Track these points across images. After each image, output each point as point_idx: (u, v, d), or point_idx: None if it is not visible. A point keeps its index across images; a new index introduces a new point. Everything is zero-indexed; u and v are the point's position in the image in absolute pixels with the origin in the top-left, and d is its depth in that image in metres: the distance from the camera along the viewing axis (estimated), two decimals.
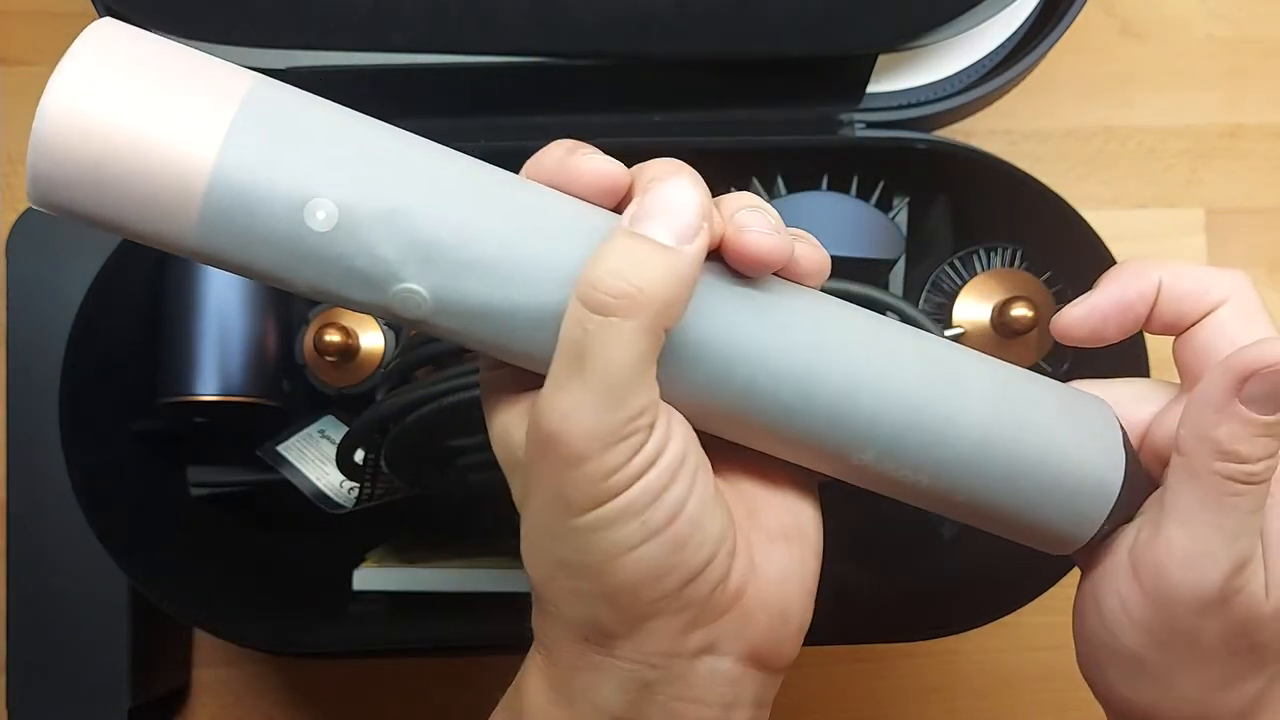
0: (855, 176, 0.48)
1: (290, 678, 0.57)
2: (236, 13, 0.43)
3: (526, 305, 0.25)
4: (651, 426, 0.25)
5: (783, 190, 0.48)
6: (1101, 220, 0.47)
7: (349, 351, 0.49)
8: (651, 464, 0.25)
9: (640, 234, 0.25)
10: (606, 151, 0.48)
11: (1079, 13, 0.46)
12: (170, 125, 0.23)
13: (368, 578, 0.47)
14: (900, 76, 0.48)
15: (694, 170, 0.27)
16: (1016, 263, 0.49)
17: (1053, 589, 0.43)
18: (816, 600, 0.48)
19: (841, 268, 0.46)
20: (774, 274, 0.28)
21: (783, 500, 0.30)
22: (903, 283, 0.51)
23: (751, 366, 0.27)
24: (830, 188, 0.48)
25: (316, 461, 0.48)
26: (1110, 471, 0.29)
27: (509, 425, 0.27)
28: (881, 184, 0.49)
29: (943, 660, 0.59)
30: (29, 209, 0.53)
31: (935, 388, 0.28)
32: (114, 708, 0.51)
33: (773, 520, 0.29)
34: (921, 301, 0.50)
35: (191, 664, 0.57)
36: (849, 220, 0.47)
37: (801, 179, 0.48)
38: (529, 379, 0.27)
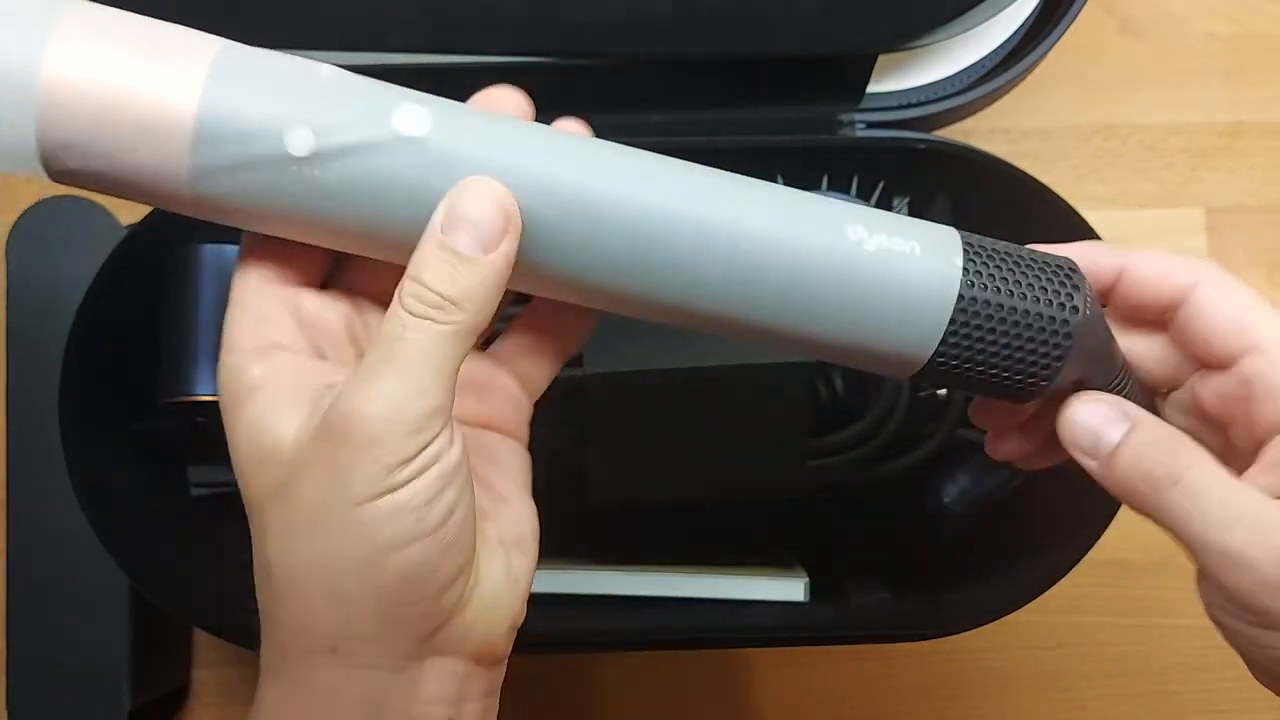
0: (855, 176, 0.48)
1: None
2: (236, 13, 0.43)
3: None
4: (443, 426, 0.27)
5: None
6: (1101, 219, 0.47)
7: None
8: (436, 461, 0.27)
9: (447, 244, 0.27)
10: None
11: (1079, 12, 0.46)
12: (156, 76, 0.26)
13: None
14: (900, 76, 0.48)
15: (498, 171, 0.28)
16: None
17: (1053, 589, 0.43)
18: (817, 600, 0.48)
19: None
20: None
21: (509, 511, 0.31)
22: None
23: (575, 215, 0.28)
24: (830, 188, 0.48)
25: None
26: (942, 288, 0.29)
27: (271, 416, 0.28)
28: (881, 184, 0.49)
29: (943, 660, 0.59)
30: (29, 209, 0.53)
31: (735, 219, 0.29)
32: (114, 708, 0.51)
33: (495, 530, 0.30)
34: None
35: (191, 664, 0.57)
36: None
37: (801, 179, 0.48)
38: (297, 375, 0.28)
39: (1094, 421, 0.31)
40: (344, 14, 0.43)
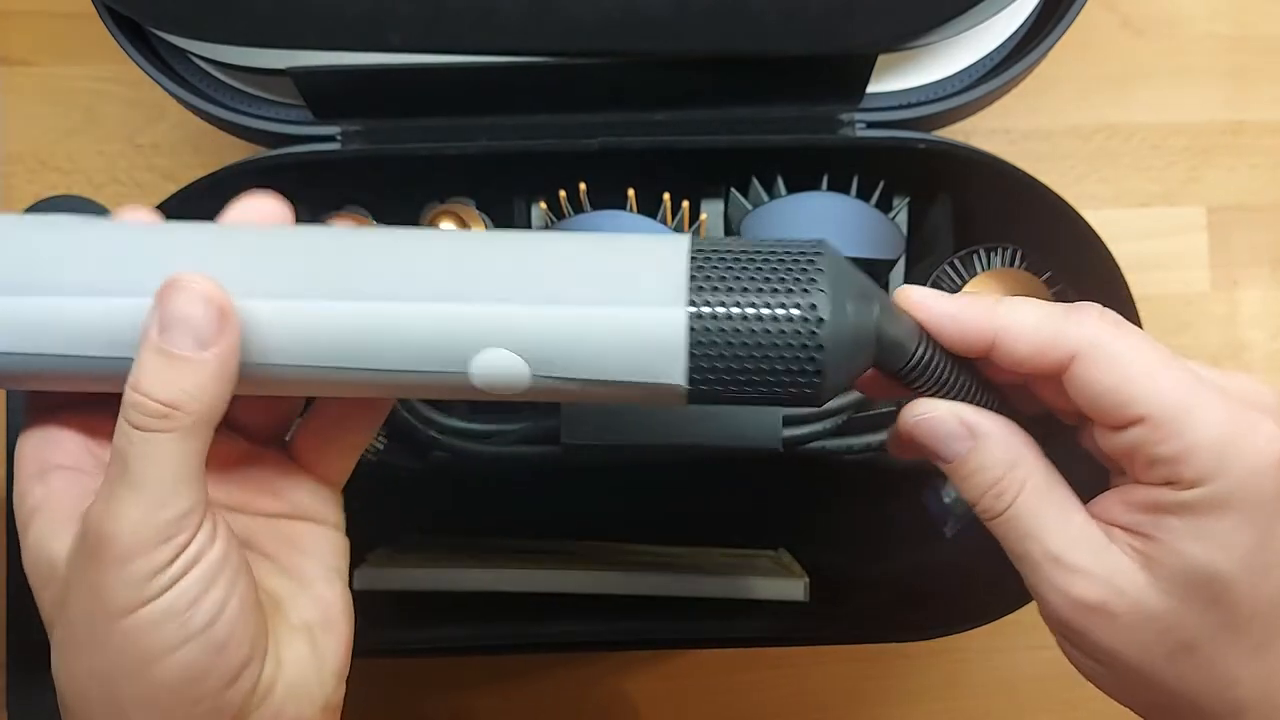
0: (855, 176, 0.48)
1: None
2: (236, 12, 0.43)
3: None
4: (198, 527, 0.27)
5: (783, 190, 0.48)
6: (1102, 219, 0.47)
7: None
8: (195, 563, 0.26)
9: (164, 349, 0.26)
10: (606, 152, 0.48)
11: (1079, 12, 0.45)
12: None
13: (368, 577, 0.47)
14: (900, 76, 0.48)
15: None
16: (1016, 263, 0.49)
17: None
18: (818, 599, 0.48)
19: None
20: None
21: (312, 594, 0.31)
22: (903, 283, 0.51)
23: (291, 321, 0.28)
24: (830, 188, 0.48)
25: None
26: (671, 331, 0.28)
27: (47, 535, 0.28)
28: (881, 184, 0.48)
29: (943, 660, 0.59)
30: (29, 209, 0.53)
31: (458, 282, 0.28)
32: None
33: (297, 613, 0.30)
34: None
35: None
36: (849, 220, 0.47)
37: (801, 179, 0.48)
38: (73, 494, 0.28)
39: (936, 434, 0.30)
40: (343, 14, 0.43)
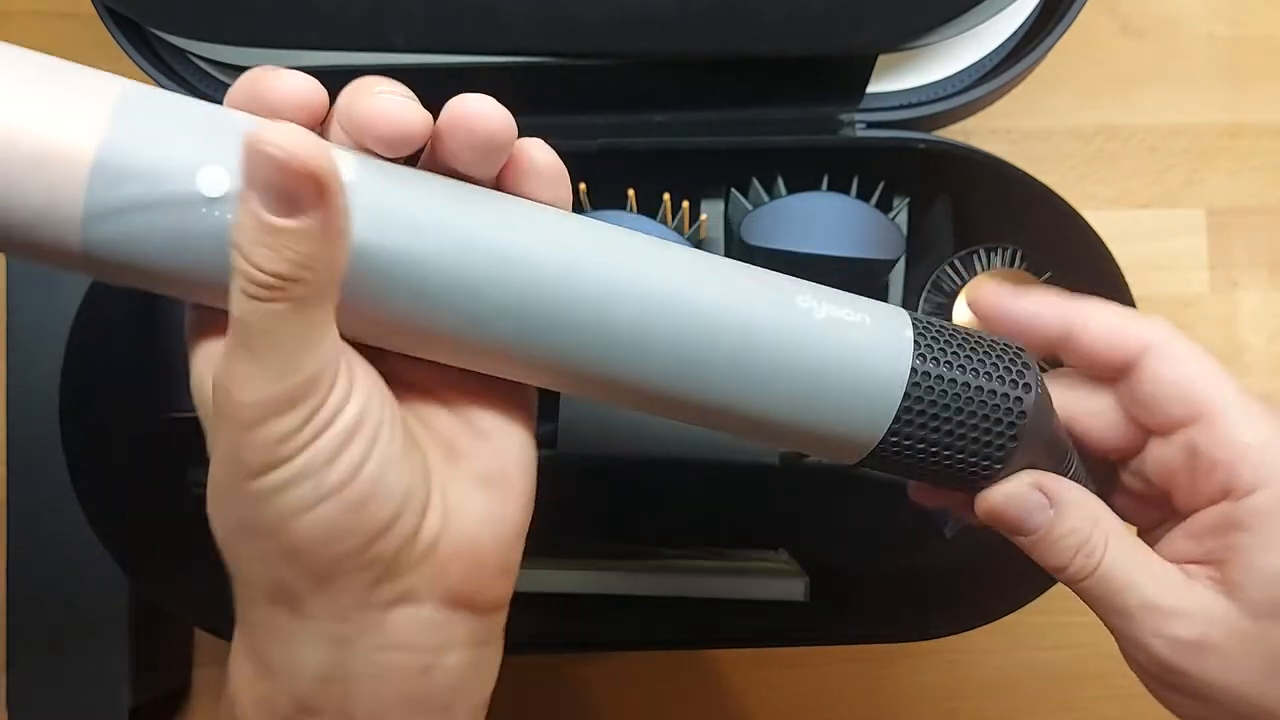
0: (855, 176, 0.48)
1: None
2: (236, 12, 0.43)
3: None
4: (329, 389, 0.25)
5: (783, 190, 0.48)
6: (1102, 220, 0.47)
7: None
8: (326, 427, 0.25)
9: (261, 214, 0.24)
10: (607, 152, 0.48)
11: (1079, 12, 0.46)
12: (55, 108, 0.23)
13: None
14: (900, 76, 0.48)
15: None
16: (1016, 263, 0.49)
17: (1053, 589, 0.43)
18: (818, 599, 0.48)
19: (841, 268, 0.46)
20: (501, 189, 0.28)
21: (487, 445, 0.29)
22: (903, 283, 0.51)
23: (445, 273, 0.26)
24: (830, 188, 0.48)
25: None
26: (894, 358, 0.28)
27: (203, 373, 0.27)
28: (881, 184, 0.48)
29: (943, 660, 0.59)
30: None
31: (677, 289, 0.27)
32: (114, 708, 0.51)
33: (471, 466, 0.29)
34: (922, 302, 0.50)
35: (191, 664, 0.57)
36: (849, 220, 0.47)
37: (801, 179, 0.48)
38: (223, 326, 0.26)
39: (1013, 507, 0.30)
40: (345, 13, 0.43)
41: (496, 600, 0.29)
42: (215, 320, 0.27)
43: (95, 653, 0.51)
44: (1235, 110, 0.62)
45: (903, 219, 0.50)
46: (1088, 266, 0.46)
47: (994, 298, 0.32)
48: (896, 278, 0.50)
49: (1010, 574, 0.45)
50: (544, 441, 0.47)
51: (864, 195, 0.48)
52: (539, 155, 0.28)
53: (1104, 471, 0.34)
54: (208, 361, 0.27)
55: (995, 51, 0.48)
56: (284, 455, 0.25)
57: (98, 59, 0.59)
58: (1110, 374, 0.32)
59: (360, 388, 0.26)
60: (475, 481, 0.29)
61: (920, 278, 0.50)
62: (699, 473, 0.49)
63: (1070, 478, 0.31)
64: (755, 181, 0.49)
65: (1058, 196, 0.46)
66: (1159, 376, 0.30)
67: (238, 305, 0.24)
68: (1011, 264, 0.49)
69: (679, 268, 0.28)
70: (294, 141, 0.23)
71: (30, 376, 0.52)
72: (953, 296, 0.49)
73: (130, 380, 0.47)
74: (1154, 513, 0.33)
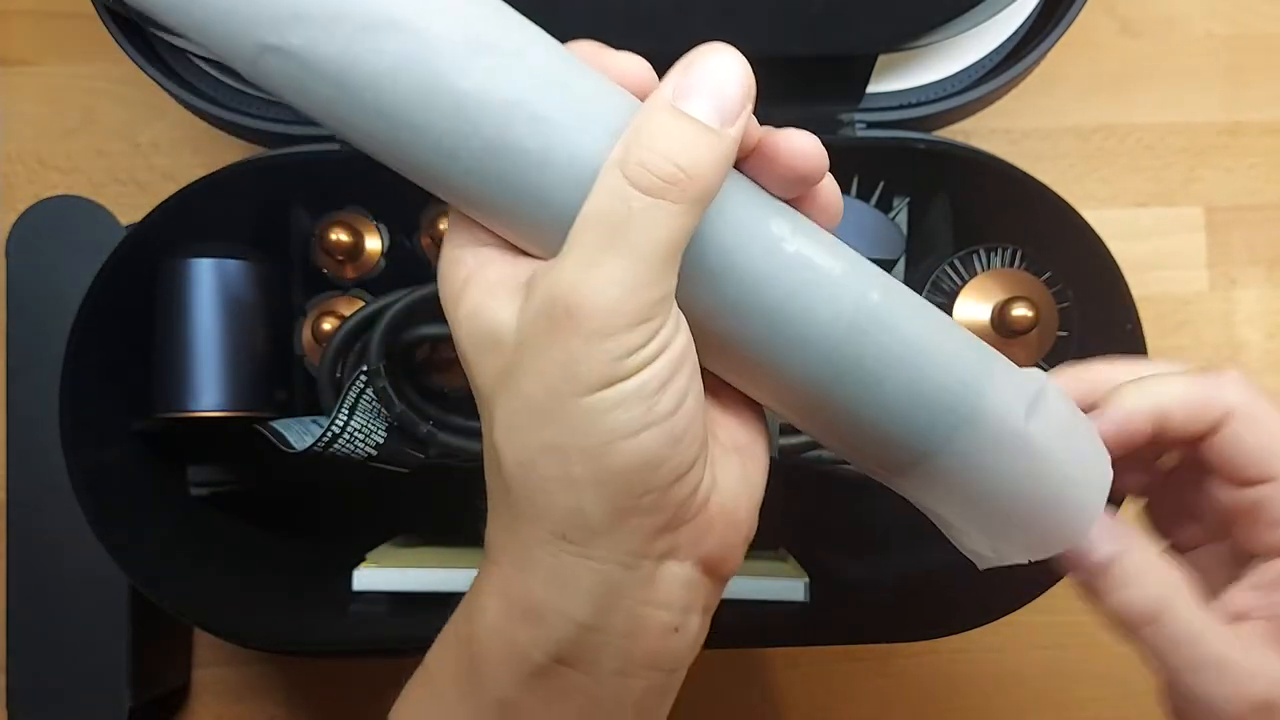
0: (855, 176, 0.48)
1: (290, 677, 0.57)
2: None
3: (561, 152, 0.25)
4: (669, 313, 0.25)
5: None
6: (1101, 219, 0.47)
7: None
8: (665, 349, 0.25)
9: (685, 112, 0.24)
10: None
11: (1079, 12, 0.46)
12: None
13: (368, 578, 0.47)
14: (900, 76, 0.48)
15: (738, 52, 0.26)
16: (1016, 263, 0.49)
17: (1053, 589, 0.43)
18: (818, 599, 0.48)
19: None
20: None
21: (736, 416, 0.30)
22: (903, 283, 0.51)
23: (745, 284, 0.26)
24: None
25: (297, 427, 0.48)
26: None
27: (489, 303, 0.27)
28: (881, 184, 0.49)
29: (943, 660, 0.59)
30: (29, 209, 0.53)
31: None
32: (114, 708, 0.51)
33: (727, 434, 0.29)
34: None
35: (191, 664, 0.57)
36: (849, 220, 0.47)
37: None
38: (506, 266, 0.27)
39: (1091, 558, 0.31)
40: None
41: (731, 571, 0.29)
42: (492, 254, 0.27)
43: (95, 653, 0.51)
44: (1233, 109, 0.62)
45: (902, 219, 0.50)
46: (1087, 265, 0.46)
47: (1110, 420, 0.31)
48: (896, 277, 0.50)
49: (1009, 573, 0.45)
50: None
51: (864, 195, 0.48)
52: (831, 198, 0.29)
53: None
54: (492, 289, 0.27)
55: (995, 51, 0.48)
56: (624, 371, 0.25)
57: (98, 59, 0.60)
58: (1189, 444, 0.32)
59: (684, 322, 0.26)
60: (729, 448, 0.29)
61: (920, 277, 0.50)
62: None
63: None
64: None
65: (1057, 196, 0.46)
66: (1241, 442, 0.31)
67: (620, 198, 0.24)
68: (1011, 264, 0.49)
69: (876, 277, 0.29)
70: (742, 59, 0.25)
71: (30, 376, 0.51)
72: (953, 296, 0.49)
73: (130, 380, 0.47)
74: (1195, 528, 0.34)
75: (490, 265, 0.27)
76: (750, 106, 0.25)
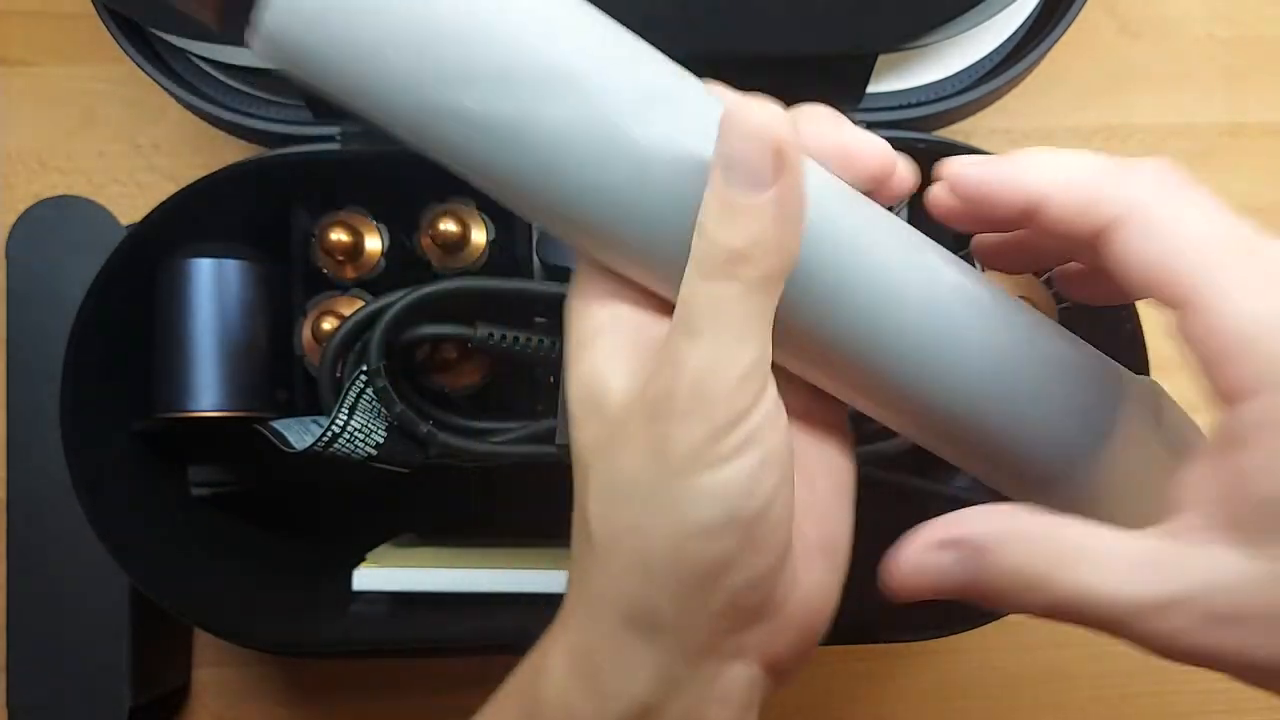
0: None
1: (291, 677, 0.57)
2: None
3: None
4: (763, 390, 0.25)
5: None
6: None
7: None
8: (757, 442, 0.24)
9: (727, 187, 0.24)
10: None
11: (1079, 13, 0.46)
12: None
13: (368, 578, 0.47)
14: (900, 76, 0.48)
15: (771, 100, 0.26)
16: None
17: None
18: None
19: None
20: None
21: (821, 509, 0.29)
22: None
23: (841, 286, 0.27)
24: None
25: (297, 427, 0.48)
26: None
27: (607, 365, 0.26)
28: None
29: (943, 660, 0.59)
30: (29, 209, 0.53)
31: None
32: (114, 708, 0.51)
33: (811, 530, 0.28)
34: None
35: (191, 664, 0.57)
36: None
37: None
38: (637, 327, 0.26)
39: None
40: None
41: (796, 674, 0.28)
42: (619, 320, 0.27)
43: (95, 653, 0.51)
44: (1234, 110, 0.62)
45: (902, 219, 0.50)
46: None
47: (945, 179, 0.30)
48: None
49: None
50: (544, 438, 0.47)
51: None
52: (906, 183, 0.30)
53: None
54: (609, 356, 0.26)
55: (995, 51, 0.48)
56: (716, 456, 0.24)
57: (98, 59, 0.59)
58: (1082, 246, 0.26)
59: (781, 409, 0.26)
60: (813, 546, 0.28)
61: None
62: None
63: None
64: None
65: None
66: (1128, 256, 0.24)
67: (687, 284, 0.24)
68: None
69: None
70: (764, 114, 0.24)
71: (30, 376, 0.52)
72: None
73: (131, 380, 0.47)
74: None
75: (624, 323, 0.27)
76: (788, 153, 0.24)
